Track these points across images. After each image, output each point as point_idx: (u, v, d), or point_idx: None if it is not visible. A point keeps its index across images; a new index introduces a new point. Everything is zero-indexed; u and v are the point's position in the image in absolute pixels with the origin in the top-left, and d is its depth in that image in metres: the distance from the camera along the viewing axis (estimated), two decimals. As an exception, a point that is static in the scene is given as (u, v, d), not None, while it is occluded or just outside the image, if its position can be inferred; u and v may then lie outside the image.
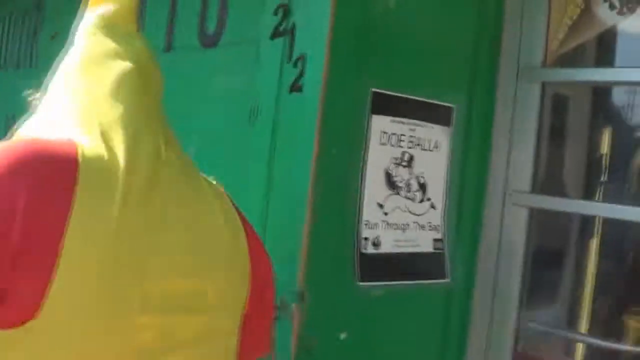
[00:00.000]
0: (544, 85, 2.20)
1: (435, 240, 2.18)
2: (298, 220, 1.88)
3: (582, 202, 2.54)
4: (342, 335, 1.99)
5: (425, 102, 2.11)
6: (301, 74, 1.95)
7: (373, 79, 1.99)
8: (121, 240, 1.16)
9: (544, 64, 2.21)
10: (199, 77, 2.43)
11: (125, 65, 1.36)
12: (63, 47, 3.43)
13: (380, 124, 2.01)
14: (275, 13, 2.04)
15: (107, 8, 1.43)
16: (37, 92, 1.43)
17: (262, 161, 2.00)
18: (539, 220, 2.27)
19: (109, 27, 1.42)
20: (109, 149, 1.22)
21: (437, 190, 2.18)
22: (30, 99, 1.44)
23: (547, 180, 2.31)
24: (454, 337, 2.26)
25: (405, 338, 2.15)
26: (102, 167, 1.19)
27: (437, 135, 2.16)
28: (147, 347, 1.21)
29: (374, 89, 1.99)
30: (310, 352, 1.92)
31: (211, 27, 2.44)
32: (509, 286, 2.22)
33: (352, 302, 1.99)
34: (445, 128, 2.18)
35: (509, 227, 2.22)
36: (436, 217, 2.18)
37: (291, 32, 1.99)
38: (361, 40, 1.95)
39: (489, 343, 2.25)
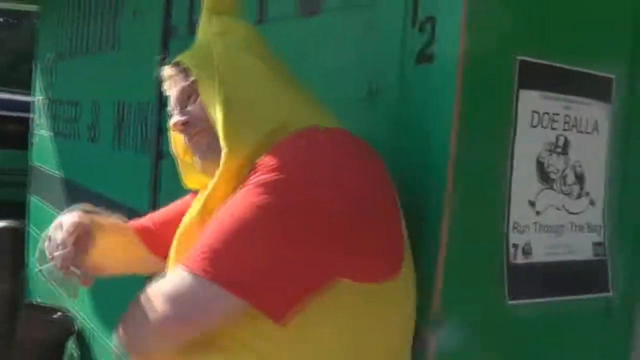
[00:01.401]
0: None
1: (595, 244, 1.76)
2: (432, 223, 1.49)
3: None
4: (485, 365, 1.60)
5: (582, 73, 1.69)
6: (431, 41, 1.55)
7: (519, 45, 1.58)
8: None
9: None
10: (300, 50, 2.06)
11: None
12: (146, 26, 2.99)
13: (529, 100, 1.60)
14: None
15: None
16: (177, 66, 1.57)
17: (384, 147, 1.62)
18: None
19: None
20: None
21: (597, 183, 1.76)
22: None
23: None
24: (615, 361, 1.84)
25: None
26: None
27: (595, 113, 1.74)
28: None
29: (520, 58, 1.57)
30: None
31: (312, -8, 2.06)
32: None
33: (500, 326, 1.60)
34: (605, 105, 1.76)
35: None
36: (596, 215, 1.76)
37: (416, -12, 1.60)
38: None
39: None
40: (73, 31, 4.77)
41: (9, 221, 2.61)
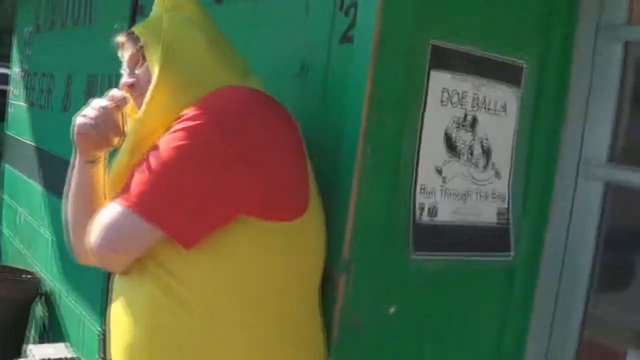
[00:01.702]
0: (626, 45, 1.97)
1: (499, 211, 1.98)
2: (345, 182, 1.71)
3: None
4: (391, 309, 1.82)
5: (493, 59, 1.91)
6: (353, 24, 1.77)
7: (433, 30, 1.79)
8: None
9: (629, 21, 1.97)
10: (250, 28, 2.27)
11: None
12: (117, 2, 3.25)
13: (440, 80, 1.81)
14: (328, -44, 1.86)
15: None
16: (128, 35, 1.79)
17: (312, 117, 1.83)
18: (616, 195, 2.04)
19: None
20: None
21: (503, 157, 1.97)
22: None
23: (628, 150, 2.06)
24: (514, 320, 2.05)
25: (461, 317, 1.97)
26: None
27: (504, 96, 1.95)
28: None
29: (433, 42, 1.79)
30: (356, 327, 1.76)
31: (262, -24, 2.27)
32: (578, 267, 2.01)
33: (404, 274, 1.82)
34: (514, 89, 1.97)
35: (580, 202, 2.01)
36: (501, 186, 1.98)
37: (344, -24, 1.81)
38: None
39: (553, 328, 2.05)
40: (50, 5, 4.94)
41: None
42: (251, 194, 1.55)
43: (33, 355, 3.55)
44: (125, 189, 1.58)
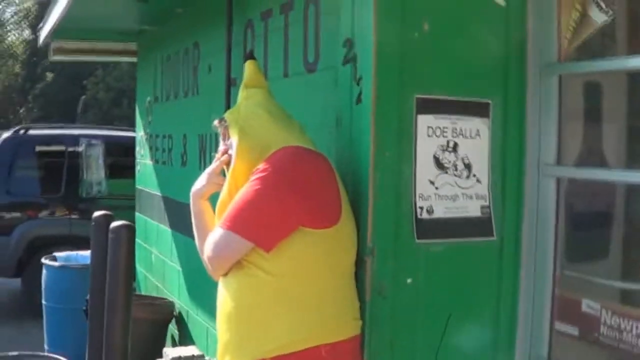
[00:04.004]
0: (560, 77, 2.80)
1: (483, 206, 2.81)
2: (364, 196, 2.61)
3: (597, 170, 2.89)
4: (409, 280, 2.68)
5: (464, 101, 2.77)
6: (361, 91, 2.67)
7: (416, 87, 2.67)
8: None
9: (559, 60, 2.80)
10: (306, 95, 3.21)
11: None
12: (216, 78, 4.55)
13: (425, 121, 2.69)
14: (344, 45, 2.78)
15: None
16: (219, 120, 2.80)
17: (345, 155, 2.76)
18: (570, 187, 2.85)
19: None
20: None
21: (482, 168, 2.81)
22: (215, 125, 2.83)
23: (572, 153, 2.87)
24: (507, 284, 2.87)
25: (464, 285, 2.80)
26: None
27: (477, 125, 2.79)
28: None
29: (417, 95, 2.67)
30: (382, 294, 2.63)
31: (311, 58, 3.21)
32: (546, 241, 2.84)
33: (415, 255, 2.68)
34: (485, 119, 2.81)
35: (542, 194, 2.85)
36: (482, 189, 2.81)
37: (354, 59, 2.72)
38: (403, 61, 2.65)
39: (534, 289, 2.86)
40: (165, 82, 6.06)
41: (123, 221, 3.81)
42: (303, 212, 2.47)
43: (167, 355, 4.55)
44: (224, 217, 2.54)
